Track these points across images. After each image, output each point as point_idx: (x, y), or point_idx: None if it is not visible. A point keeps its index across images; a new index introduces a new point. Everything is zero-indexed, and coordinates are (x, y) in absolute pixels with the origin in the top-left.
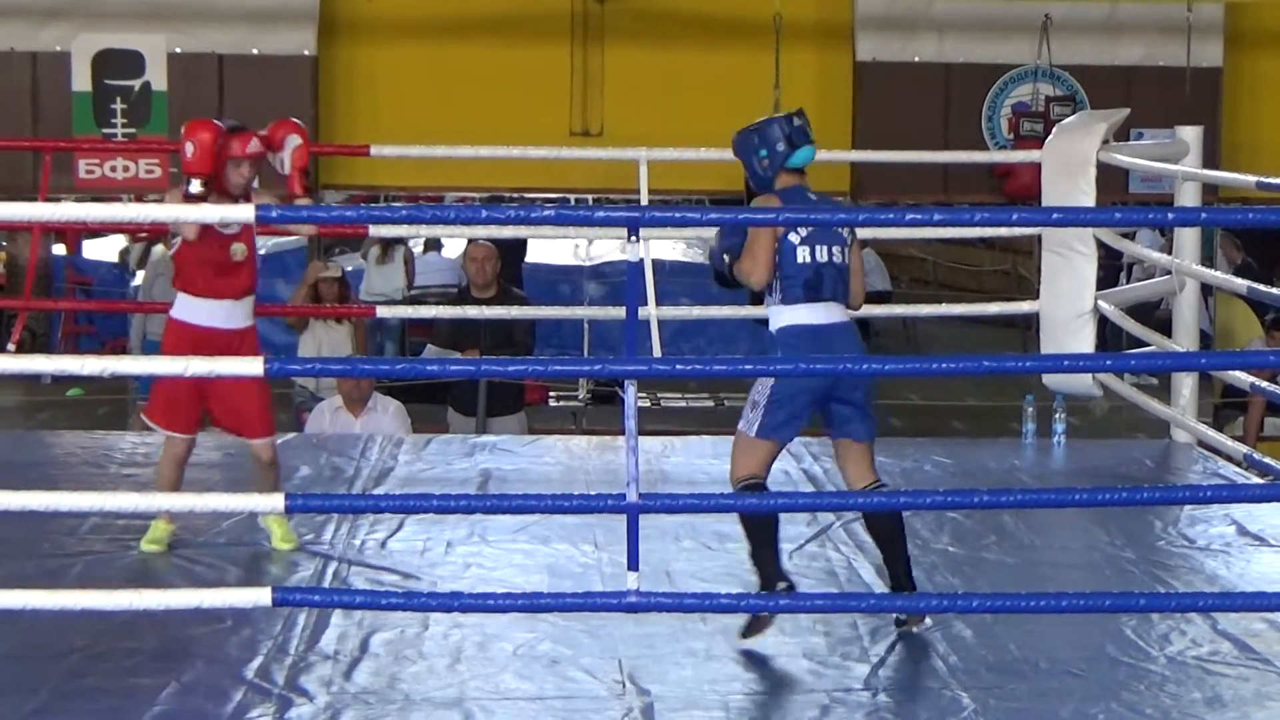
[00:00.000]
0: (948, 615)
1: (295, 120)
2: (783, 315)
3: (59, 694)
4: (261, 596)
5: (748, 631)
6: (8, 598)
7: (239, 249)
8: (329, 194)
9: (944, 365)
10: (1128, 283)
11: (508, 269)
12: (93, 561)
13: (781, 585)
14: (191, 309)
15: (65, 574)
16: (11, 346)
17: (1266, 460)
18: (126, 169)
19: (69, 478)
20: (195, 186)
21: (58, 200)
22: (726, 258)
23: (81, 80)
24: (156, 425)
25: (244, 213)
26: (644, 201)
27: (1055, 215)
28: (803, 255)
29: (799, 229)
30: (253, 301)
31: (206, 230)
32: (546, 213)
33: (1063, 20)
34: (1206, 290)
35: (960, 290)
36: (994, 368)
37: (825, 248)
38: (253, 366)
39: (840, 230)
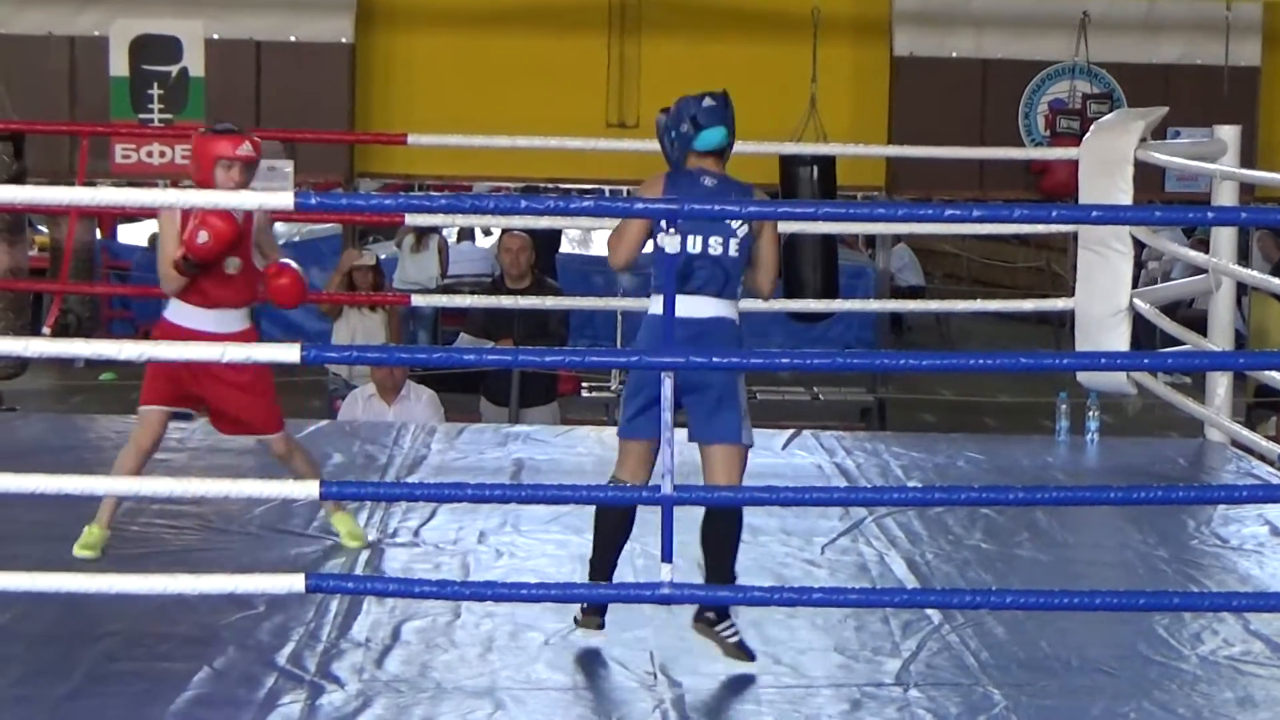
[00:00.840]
0: (980, 611)
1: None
2: (651, 304)
3: (92, 677)
4: (295, 583)
5: (584, 622)
6: (42, 580)
7: (233, 263)
8: (364, 182)
9: (981, 362)
10: (1143, 279)
11: (541, 260)
12: (126, 545)
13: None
14: (184, 314)
15: (99, 558)
16: (47, 330)
17: None
18: (163, 154)
19: (102, 462)
20: (181, 260)
21: (94, 185)
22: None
23: (119, 65)
24: (147, 404)
25: (282, 200)
26: None
27: (1094, 213)
28: (673, 245)
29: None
30: (249, 310)
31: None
32: (585, 204)
33: (1101, 17)
34: (1240, 289)
35: (993, 286)
36: (1032, 365)
37: (700, 239)
38: (289, 353)
39: (729, 221)
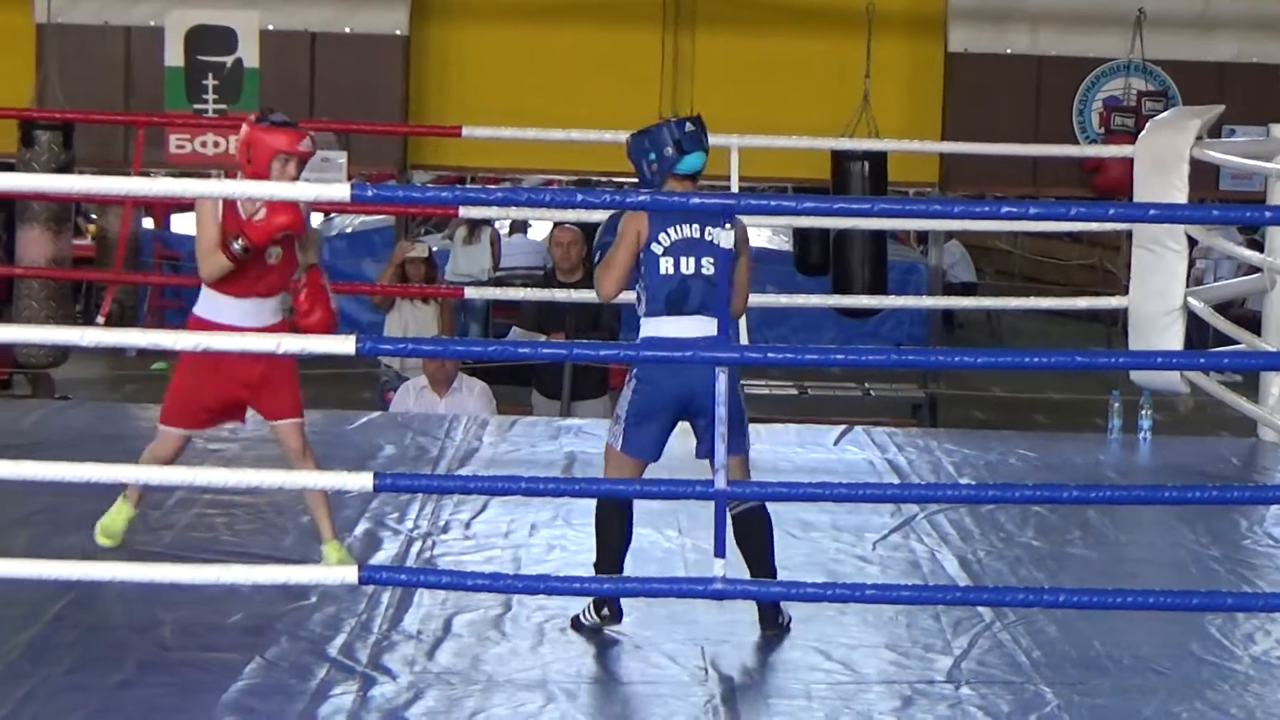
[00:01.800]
0: (1032, 610)
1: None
2: (644, 327)
3: (144, 666)
4: (348, 574)
5: (604, 620)
6: (94, 570)
7: (275, 252)
8: (417, 174)
9: (1037, 360)
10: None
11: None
12: (179, 535)
13: (604, 611)
14: (216, 307)
15: (151, 547)
16: (101, 319)
17: None
18: (217, 145)
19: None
20: (237, 246)
21: (149, 175)
22: (598, 256)
23: (174, 56)
24: (162, 424)
25: (339, 192)
26: (734, 188)
27: (1152, 211)
28: (666, 267)
29: (661, 240)
30: (280, 298)
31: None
32: (641, 198)
33: (1156, 15)
34: None
35: (1045, 284)
36: (1087, 364)
37: (693, 259)
38: (344, 345)
39: (716, 242)
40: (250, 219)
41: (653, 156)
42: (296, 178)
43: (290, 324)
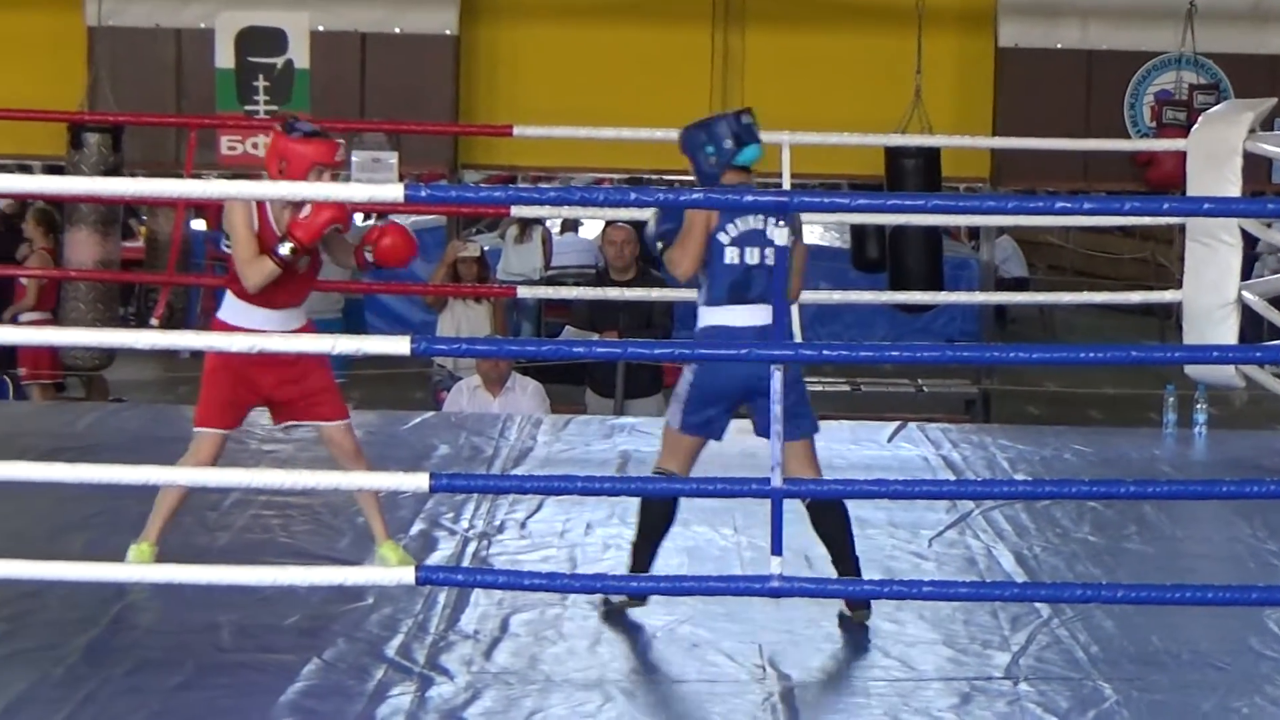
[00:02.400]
0: (1089, 605)
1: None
2: (705, 316)
3: (202, 668)
4: (405, 575)
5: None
6: (153, 572)
7: (305, 260)
8: (468, 174)
9: (1092, 355)
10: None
11: (646, 251)
12: (235, 537)
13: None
14: (241, 314)
15: (208, 549)
16: (155, 321)
17: None
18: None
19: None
20: (286, 249)
21: (201, 177)
22: (660, 244)
23: (225, 57)
24: (198, 426)
25: (392, 192)
26: (786, 185)
27: (1206, 205)
28: (731, 256)
29: (728, 230)
30: (306, 305)
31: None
32: (695, 196)
33: (1207, 8)
34: None
35: (1097, 278)
36: (1143, 358)
37: (757, 250)
38: (399, 345)
39: (774, 236)
40: (296, 219)
41: (710, 150)
42: None
43: (312, 327)
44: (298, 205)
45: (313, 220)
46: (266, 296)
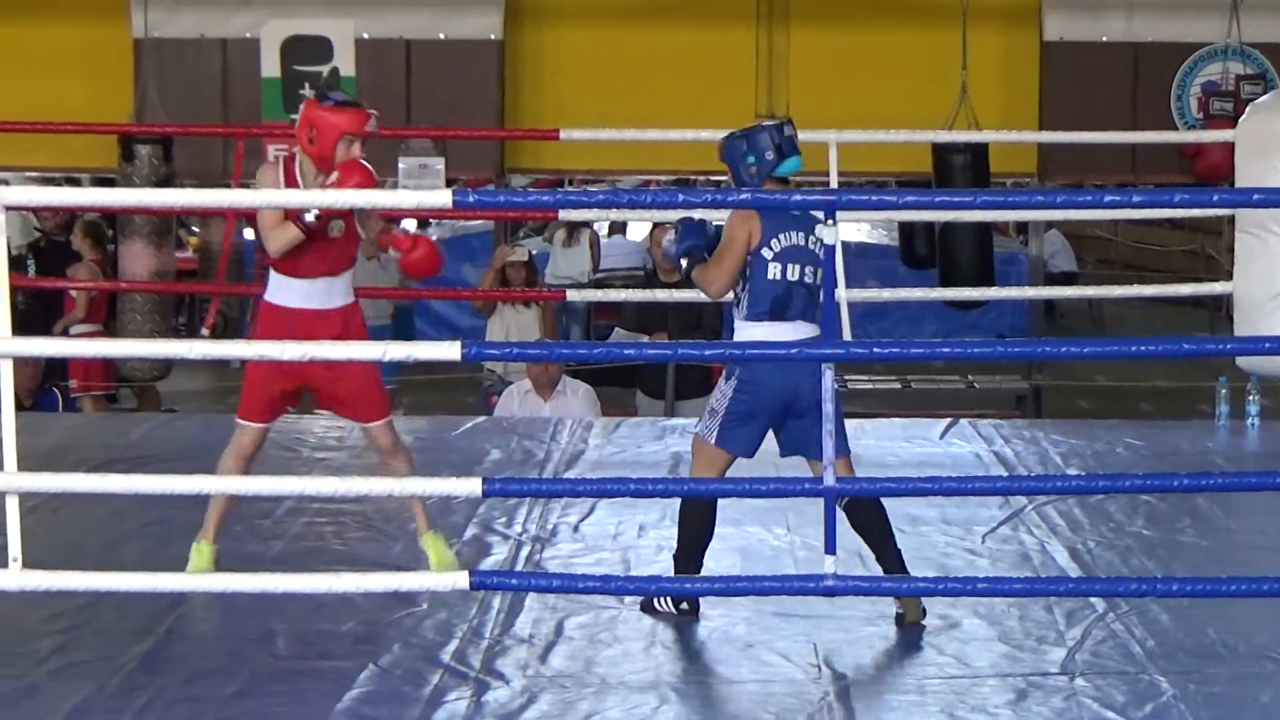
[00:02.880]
0: (1144, 599)
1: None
2: (745, 331)
3: (258, 676)
4: (459, 580)
5: (683, 613)
6: (209, 581)
7: (337, 225)
8: (515, 178)
9: (1144, 348)
10: None
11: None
12: (289, 545)
13: (683, 605)
14: (286, 290)
15: (262, 557)
16: (205, 331)
17: None
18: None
19: (261, 461)
20: (312, 215)
21: (249, 186)
22: (684, 262)
23: (270, 66)
24: (239, 418)
25: (441, 198)
26: (833, 184)
27: (1256, 196)
28: (774, 272)
29: (772, 245)
30: (351, 276)
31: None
32: (743, 196)
33: None
34: None
35: (1146, 270)
36: (1195, 350)
37: (798, 266)
38: (450, 351)
39: (818, 249)
40: (324, 185)
41: (752, 160)
42: (360, 157)
43: (359, 307)
44: (326, 172)
45: (339, 185)
46: (304, 268)
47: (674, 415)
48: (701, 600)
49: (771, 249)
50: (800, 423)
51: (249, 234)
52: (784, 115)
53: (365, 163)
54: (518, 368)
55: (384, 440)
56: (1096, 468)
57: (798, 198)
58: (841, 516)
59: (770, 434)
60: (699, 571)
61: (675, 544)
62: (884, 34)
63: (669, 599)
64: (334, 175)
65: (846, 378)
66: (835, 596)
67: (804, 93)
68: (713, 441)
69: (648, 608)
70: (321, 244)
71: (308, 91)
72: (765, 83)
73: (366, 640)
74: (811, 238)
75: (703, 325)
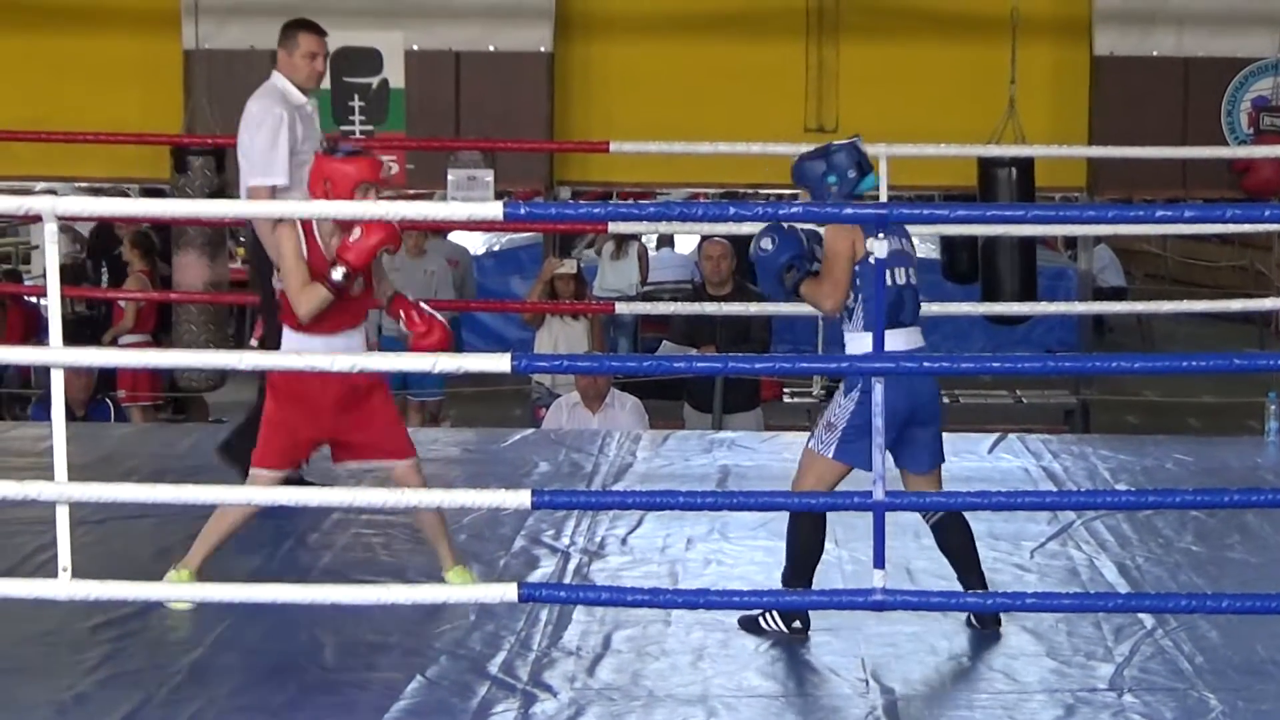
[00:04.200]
0: (1193, 615)
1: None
2: (861, 343)
3: (306, 687)
4: (508, 592)
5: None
6: (257, 591)
7: (359, 283)
8: (563, 190)
9: (1195, 364)
10: None
11: (743, 265)
12: (337, 556)
13: (795, 624)
14: (304, 347)
15: (311, 569)
16: (254, 342)
17: None
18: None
19: (309, 473)
20: (339, 274)
21: None
22: (789, 275)
23: None
24: (257, 467)
25: (491, 211)
26: (884, 198)
27: None
28: (888, 278)
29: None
30: (364, 329)
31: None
32: (794, 210)
33: None
34: None
35: (1195, 285)
36: (1245, 366)
37: (904, 270)
38: (500, 363)
39: (912, 253)
40: (346, 242)
41: (834, 179)
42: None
43: (376, 346)
44: (346, 228)
45: (364, 243)
46: (329, 324)
47: (722, 428)
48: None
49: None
50: (919, 437)
51: None
52: (832, 129)
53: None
54: (565, 380)
55: (414, 482)
56: (1145, 483)
57: (849, 211)
58: (904, 529)
59: None
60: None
61: (785, 562)
62: (933, 48)
63: (778, 617)
64: (356, 232)
65: None
66: (884, 611)
67: (852, 106)
68: (830, 455)
69: (751, 627)
70: (342, 301)
71: (357, 103)
72: (814, 96)
73: (414, 652)
74: (905, 241)
75: (751, 338)
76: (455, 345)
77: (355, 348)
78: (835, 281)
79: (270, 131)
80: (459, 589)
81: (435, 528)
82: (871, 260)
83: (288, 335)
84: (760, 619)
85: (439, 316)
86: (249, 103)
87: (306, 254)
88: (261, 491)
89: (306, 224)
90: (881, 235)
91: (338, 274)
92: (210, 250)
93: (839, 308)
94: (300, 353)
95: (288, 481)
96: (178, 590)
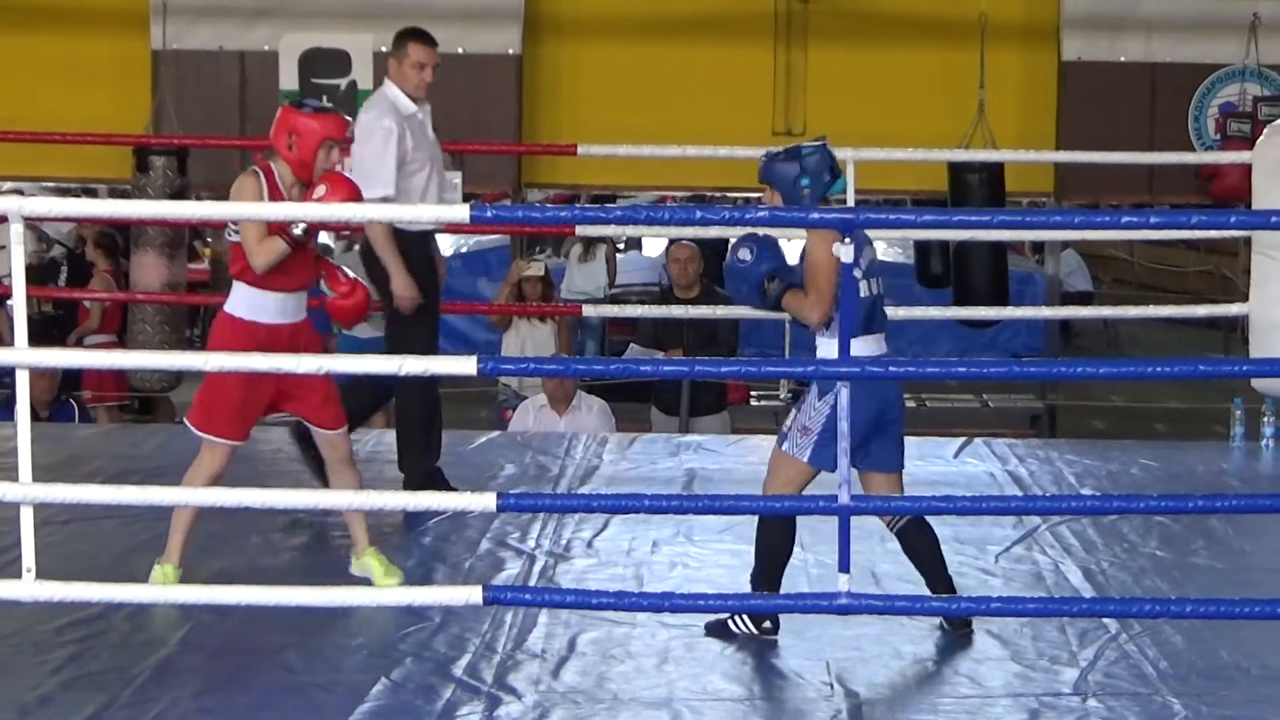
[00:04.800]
0: (1157, 620)
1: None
2: (825, 349)
3: (271, 688)
4: (472, 595)
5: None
6: (221, 593)
7: (315, 240)
8: (532, 193)
9: (1160, 369)
10: None
11: (710, 269)
12: (300, 557)
13: (766, 624)
14: (255, 305)
15: (275, 570)
16: None
17: None
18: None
19: (275, 474)
20: (300, 230)
21: None
22: (770, 285)
23: (289, 79)
24: (214, 436)
25: (458, 213)
26: (851, 202)
27: (1274, 218)
28: (865, 289)
29: (860, 263)
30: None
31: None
32: (760, 214)
33: (1271, 19)
34: None
35: (1161, 291)
36: (1210, 372)
37: (877, 280)
38: (466, 365)
39: (876, 261)
40: (310, 197)
41: (806, 182)
42: (339, 163)
43: (309, 325)
44: (305, 179)
45: (327, 199)
46: (278, 280)
47: (689, 431)
48: (713, 618)
49: (860, 266)
50: (884, 438)
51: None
52: (800, 133)
53: (347, 173)
54: (533, 383)
55: (345, 448)
56: (1111, 488)
57: (815, 216)
58: (870, 534)
59: None
60: (778, 591)
61: (755, 564)
62: (902, 52)
63: (748, 620)
64: (321, 189)
65: None
66: (849, 614)
67: (821, 110)
68: (805, 458)
69: (720, 631)
70: (300, 257)
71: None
72: (783, 100)
73: (378, 654)
74: (872, 249)
75: (718, 341)
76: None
77: (303, 306)
78: (820, 292)
79: (379, 144)
80: (423, 591)
81: (355, 513)
82: (854, 270)
83: (241, 292)
84: (729, 622)
85: (362, 281)
86: (360, 114)
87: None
88: (223, 493)
89: (270, 177)
90: (849, 240)
91: (298, 229)
92: (169, 250)
93: (826, 319)
94: (252, 310)
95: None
96: (142, 592)
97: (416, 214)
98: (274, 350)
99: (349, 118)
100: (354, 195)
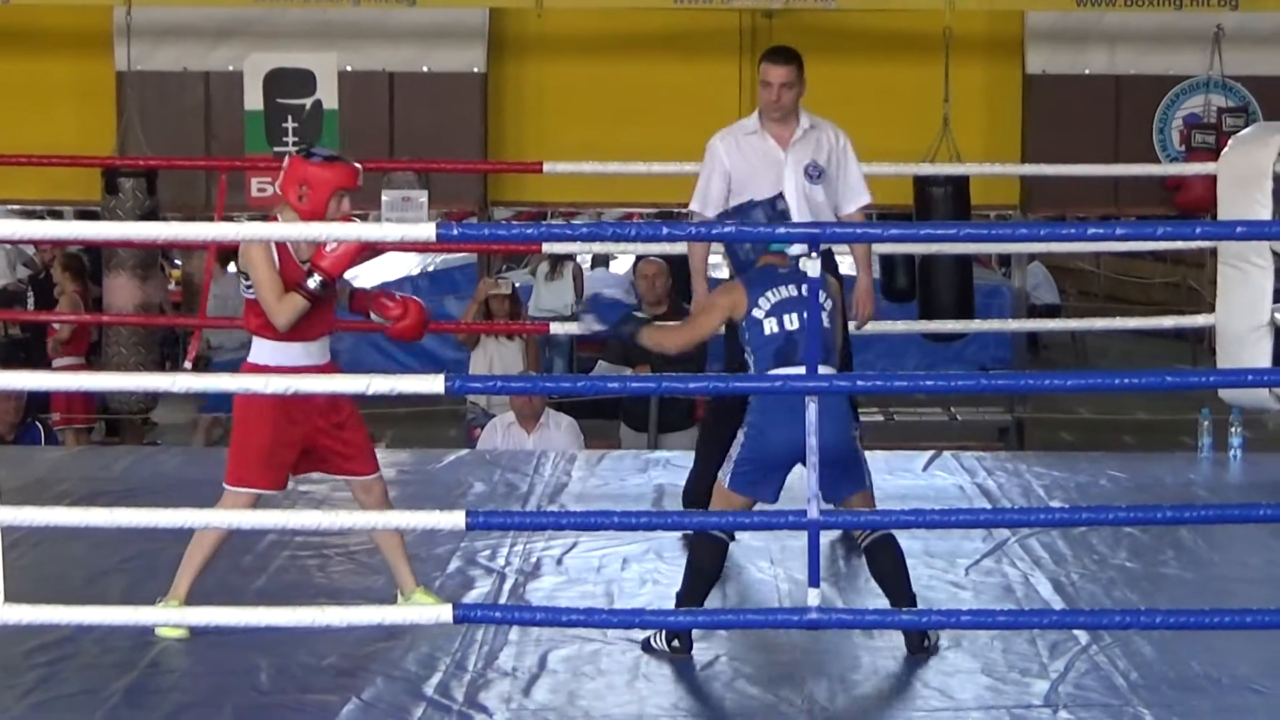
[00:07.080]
0: (1128, 631)
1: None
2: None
3: (241, 709)
4: (443, 613)
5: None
6: (191, 615)
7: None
8: (498, 211)
9: (1127, 381)
10: None
11: (678, 284)
12: (272, 578)
13: (675, 643)
14: (279, 353)
15: (246, 591)
16: (188, 364)
17: None
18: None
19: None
20: (315, 283)
21: (231, 219)
22: (628, 329)
23: (254, 99)
24: (239, 487)
25: (424, 232)
26: None
27: (1239, 229)
28: (770, 327)
29: (761, 304)
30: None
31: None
32: (727, 229)
33: (1235, 31)
34: None
35: (1128, 303)
36: (1178, 383)
37: (795, 315)
38: (433, 384)
39: (816, 296)
40: (321, 251)
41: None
42: (351, 212)
43: (336, 366)
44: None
45: (339, 251)
46: (307, 331)
47: (657, 448)
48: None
49: (761, 308)
50: (832, 469)
51: (231, 268)
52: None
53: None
54: (501, 400)
55: (379, 492)
56: (1079, 500)
57: (782, 230)
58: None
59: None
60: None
61: (681, 582)
62: (867, 67)
63: (663, 637)
64: (332, 246)
65: None
66: (819, 630)
67: None
68: (727, 485)
69: (645, 647)
70: (322, 307)
71: (290, 124)
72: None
73: (349, 674)
74: (802, 289)
75: (686, 358)
76: (425, 330)
77: (327, 350)
78: (689, 331)
79: (705, 164)
80: (393, 610)
81: (396, 548)
82: (754, 310)
83: (260, 345)
84: (651, 639)
85: (413, 297)
86: None
87: (279, 264)
88: (193, 514)
89: (280, 246)
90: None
91: (313, 283)
92: (142, 272)
93: (677, 351)
94: (277, 359)
95: None
96: (111, 614)
97: (384, 233)
98: (305, 397)
99: (358, 166)
100: (364, 245)
